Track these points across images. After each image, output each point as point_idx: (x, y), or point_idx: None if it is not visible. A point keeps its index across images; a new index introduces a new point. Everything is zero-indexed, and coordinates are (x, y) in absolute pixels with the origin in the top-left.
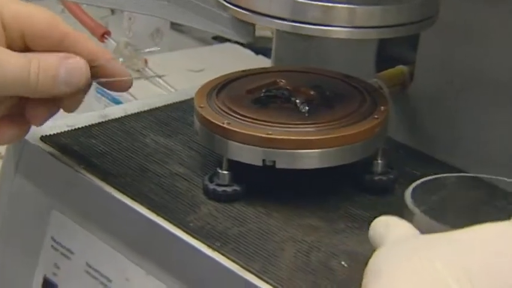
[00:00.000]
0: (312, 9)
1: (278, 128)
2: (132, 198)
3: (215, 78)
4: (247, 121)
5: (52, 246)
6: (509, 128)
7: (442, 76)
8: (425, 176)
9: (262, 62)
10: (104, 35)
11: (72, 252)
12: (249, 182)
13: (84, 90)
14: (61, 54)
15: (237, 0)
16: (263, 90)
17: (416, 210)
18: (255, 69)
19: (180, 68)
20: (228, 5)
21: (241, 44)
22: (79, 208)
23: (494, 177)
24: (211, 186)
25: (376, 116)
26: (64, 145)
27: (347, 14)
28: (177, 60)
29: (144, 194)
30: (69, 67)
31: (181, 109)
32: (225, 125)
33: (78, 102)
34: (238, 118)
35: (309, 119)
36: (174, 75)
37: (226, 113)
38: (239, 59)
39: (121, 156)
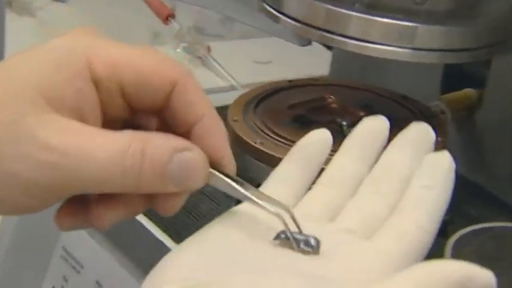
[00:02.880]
0: (365, 25)
1: None
2: (148, 217)
3: (257, 88)
4: (282, 142)
5: (62, 256)
6: None
7: None
8: (482, 218)
9: None
10: (168, 17)
11: (81, 266)
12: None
13: None
14: (176, 142)
15: (289, 11)
16: (307, 107)
17: None
18: (304, 79)
19: (246, 58)
20: (278, 14)
21: None
22: None
23: None
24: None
25: None
26: None
27: (406, 34)
28: (244, 49)
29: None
30: (184, 163)
31: (222, 115)
32: (257, 145)
33: (180, 202)
34: (273, 138)
35: None
36: (239, 66)
37: (261, 130)
38: (309, 53)
39: None
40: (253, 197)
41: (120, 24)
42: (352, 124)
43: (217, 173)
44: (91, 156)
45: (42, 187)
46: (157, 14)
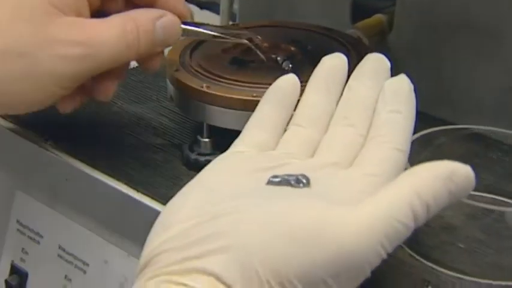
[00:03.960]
0: None
1: (262, 89)
2: (107, 174)
3: (186, 39)
4: (228, 83)
5: (18, 230)
6: (498, 77)
7: (425, 23)
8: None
9: (208, 17)
10: None
11: (41, 236)
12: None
13: None
14: (153, 13)
15: None
16: (239, 49)
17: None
18: (226, 26)
19: None
20: None
21: None
22: (46, 187)
23: (487, 127)
24: (193, 156)
25: None
26: (24, 119)
27: None
28: None
29: (119, 168)
30: (165, 26)
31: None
32: (204, 89)
33: (160, 59)
34: (218, 80)
35: None
36: None
37: (203, 75)
38: None
39: (88, 127)
40: (219, 34)
41: None
42: (287, 58)
43: (186, 26)
44: (105, 41)
45: (72, 76)
46: None
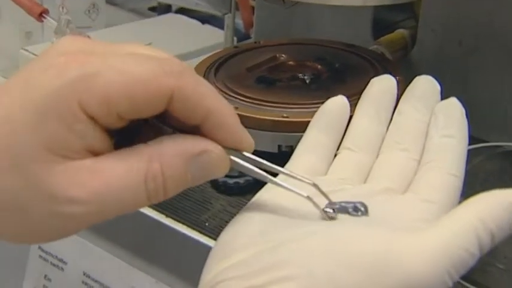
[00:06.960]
0: None
1: (293, 109)
2: None
3: (207, 58)
4: (256, 104)
5: (40, 256)
6: None
7: (449, 37)
8: None
9: (211, 32)
10: (41, 14)
11: (64, 262)
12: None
13: None
14: (190, 147)
15: None
16: (264, 67)
17: None
18: (247, 44)
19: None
20: None
21: (185, 13)
22: None
23: None
24: (222, 178)
25: None
26: None
27: None
28: (122, 35)
29: None
30: (204, 167)
31: None
32: None
33: None
34: (246, 101)
35: (322, 95)
36: None
37: (230, 96)
38: (186, 30)
39: None
40: (278, 181)
41: None
42: (314, 77)
43: (238, 160)
44: (116, 195)
45: (72, 232)
46: (30, 12)
